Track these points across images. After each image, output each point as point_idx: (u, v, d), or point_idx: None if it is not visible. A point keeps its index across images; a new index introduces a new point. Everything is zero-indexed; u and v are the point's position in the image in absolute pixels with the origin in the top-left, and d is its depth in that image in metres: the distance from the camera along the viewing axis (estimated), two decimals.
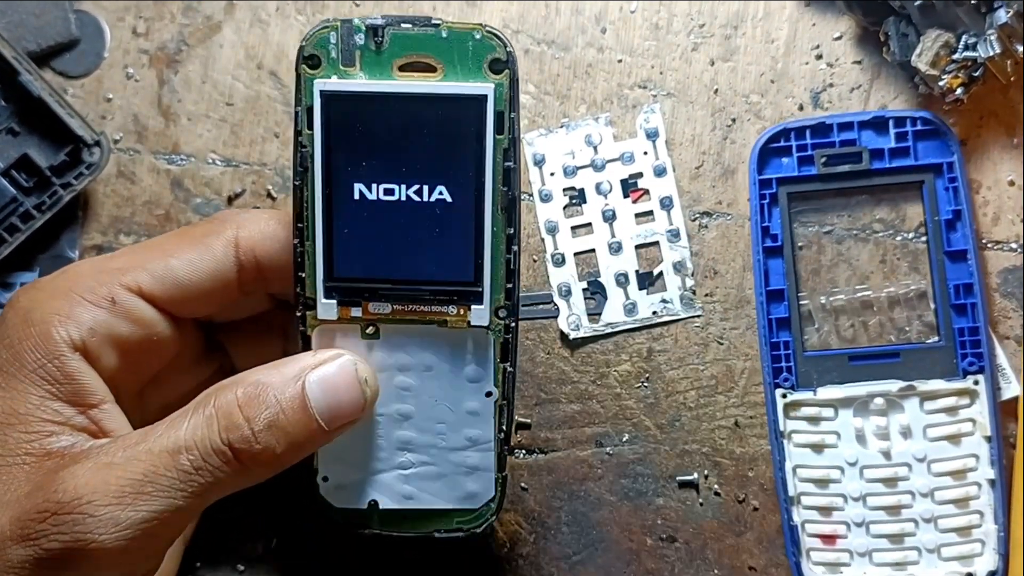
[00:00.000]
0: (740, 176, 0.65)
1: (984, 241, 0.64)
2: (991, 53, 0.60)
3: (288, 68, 0.67)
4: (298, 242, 0.54)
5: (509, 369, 0.56)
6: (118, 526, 0.48)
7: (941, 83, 0.61)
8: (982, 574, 0.62)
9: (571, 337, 0.65)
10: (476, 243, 0.53)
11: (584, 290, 0.66)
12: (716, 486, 0.64)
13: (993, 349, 0.63)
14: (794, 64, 0.66)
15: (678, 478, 0.65)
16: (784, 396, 0.63)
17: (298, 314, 0.55)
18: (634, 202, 0.66)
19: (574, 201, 0.66)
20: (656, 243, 0.65)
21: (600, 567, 0.64)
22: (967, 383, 0.62)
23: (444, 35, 0.53)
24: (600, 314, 0.65)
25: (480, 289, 0.54)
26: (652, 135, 0.66)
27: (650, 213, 0.66)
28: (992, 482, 0.62)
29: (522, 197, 0.65)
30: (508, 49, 0.53)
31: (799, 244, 0.64)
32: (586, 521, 0.65)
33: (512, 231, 0.53)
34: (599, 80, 0.66)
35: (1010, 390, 0.63)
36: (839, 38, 0.66)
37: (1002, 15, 0.59)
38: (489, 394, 0.56)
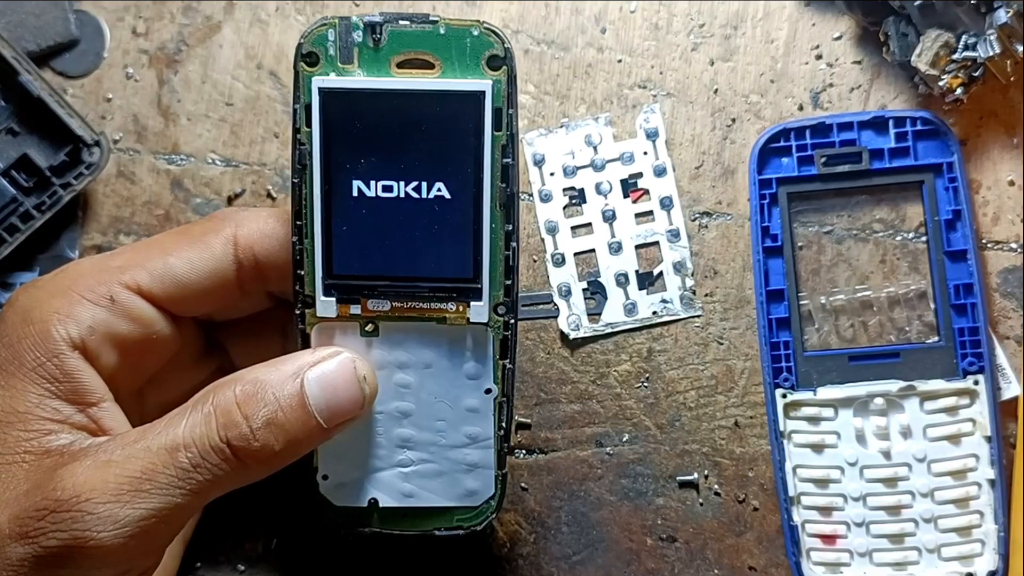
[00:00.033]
0: (740, 176, 0.65)
1: (984, 241, 0.64)
2: (991, 53, 0.60)
3: (288, 68, 0.67)
4: (297, 240, 0.54)
5: (508, 366, 0.55)
6: (117, 523, 0.48)
7: (941, 83, 0.61)
8: (982, 574, 0.61)
9: (571, 337, 0.65)
10: (475, 240, 0.53)
11: (584, 290, 0.66)
12: (716, 486, 0.64)
13: (993, 349, 0.63)
14: (794, 64, 0.66)
15: (678, 478, 0.65)
16: (784, 396, 0.63)
17: (297, 312, 0.54)
18: (634, 202, 0.66)
19: (574, 201, 0.66)
20: (656, 243, 0.65)
21: (600, 567, 0.64)
22: (967, 383, 0.62)
23: (442, 32, 0.53)
24: (600, 314, 0.65)
25: (479, 286, 0.54)
26: (652, 135, 0.66)
27: (650, 213, 0.66)
28: (992, 482, 0.61)
29: (522, 197, 0.65)
30: (506, 45, 0.53)
31: (799, 244, 0.64)
32: (586, 521, 0.65)
33: (511, 227, 0.53)
34: (599, 80, 0.66)
35: (1010, 390, 0.62)
36: (839, 38, 0.66)
37: (1002, 15, 0.59)
38: (488, 391, 0.56)
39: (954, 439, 0.62)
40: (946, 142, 0.63)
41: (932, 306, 0.63)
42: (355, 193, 0.53)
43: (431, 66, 0.53)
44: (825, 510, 0.63)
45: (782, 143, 0.64)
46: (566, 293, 0.65)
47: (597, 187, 0.66)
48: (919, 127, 0.63)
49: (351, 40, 0.53)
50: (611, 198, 0.66)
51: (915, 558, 0.62)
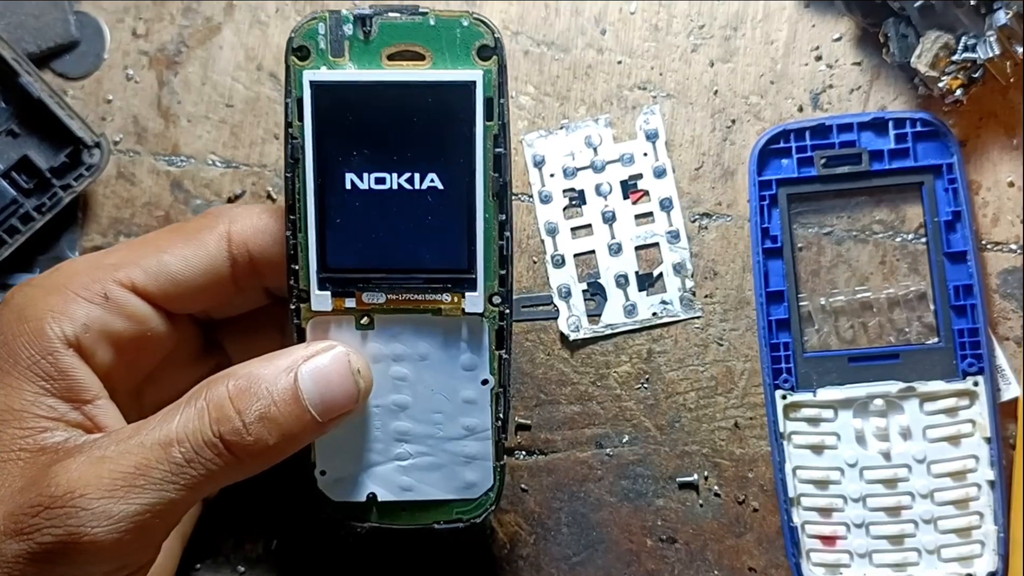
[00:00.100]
0: (740, 177, 0.65)
1: (984, 242, 0.64)
2: (991, 54, 0.60)
3: None
4: (290, 234, 0.54)
5: (504, 356, 0.56)
6: (111, 519, 0.48)
7: (941, 84, 0.61)
8: (982, 575, 0.61)
9: (571, 338, 0.65)
10: (469, 230, 0.53)
11: (584, 291, 0.66)
12: (716, 487, 0.64)
13: (993, 350, 0.62)
14: (794, 65, 0.66)
15: (678, 479, 0.64)
16: (784, 397, 0.63)
17: (292, 307, 0.55)
18: (634, 203, 0.66)
19: (574, 202, 0.66)
20: (656, 244, 0.65)
21: (600, 568, 0.64)
22: (967, 384, 0.62)
23: (432, 23, 0.53)
24: (600, 315, 0.65)
25: (474, 276, 0.54)
26: (652, 136, 0.66)
27: (650, 214, 0.66)
28: (992, 483, 0.61)
29: (522, 199, 0.65)
30: (496, 35, 0.53)
31: (799, 245, 0.64)
32: (586, 522, 0.65)
33: (504, 217, 0.54)
34: (599, 81, 0.66)
35: (1010, 391, 0.62)
36: (839, 39, 0.66)
37: (1001, 16, 0.59)
38: (485, 382, 0.56)
39: (954, 440, 0.62)
40: (946, 143, 0.63)
41: (932, 307, 0.63)
42: (348, 186, 0.53)
43: (422, 57, 0.53)
44: (825, 511, 0.62)
45: (782, 144, 0.64)
46: (566, 294, 0.65)
47: (597, 188, 0.66)
48: (919, 128, 0.63)
49: (342, 33, 0.53)
50: (611, 199, 0.66)
51: (915, 559, 0.62)
